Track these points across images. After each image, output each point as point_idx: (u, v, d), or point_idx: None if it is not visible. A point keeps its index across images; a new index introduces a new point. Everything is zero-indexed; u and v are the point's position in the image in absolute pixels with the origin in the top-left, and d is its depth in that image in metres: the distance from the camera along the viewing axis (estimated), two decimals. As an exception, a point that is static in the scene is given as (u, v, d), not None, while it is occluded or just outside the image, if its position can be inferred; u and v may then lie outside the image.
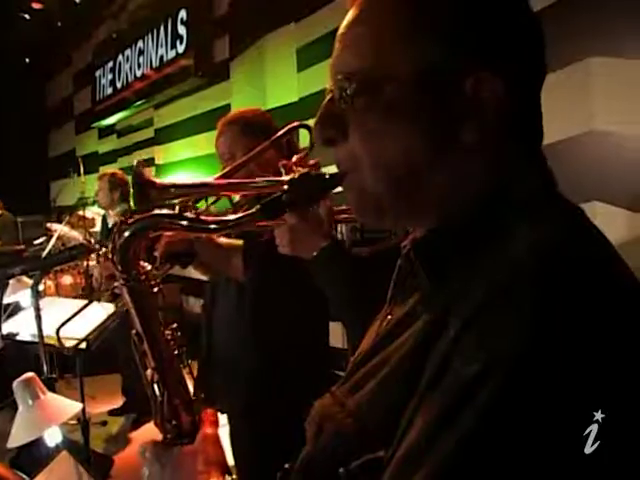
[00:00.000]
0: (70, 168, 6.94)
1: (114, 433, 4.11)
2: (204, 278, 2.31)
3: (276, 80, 5.71)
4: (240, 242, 1.86)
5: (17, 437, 1.23)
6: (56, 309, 2.20)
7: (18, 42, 10.01)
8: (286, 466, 0.75)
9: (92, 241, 5.91)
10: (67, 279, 6.41)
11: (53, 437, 1.31)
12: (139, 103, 7.93)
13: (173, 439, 0.82)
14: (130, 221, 0.75)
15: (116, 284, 0.81)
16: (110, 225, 4.85)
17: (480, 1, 0.67)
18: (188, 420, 0.83)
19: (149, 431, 4.29)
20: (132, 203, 1.20)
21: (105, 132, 9.40)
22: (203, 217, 0.77)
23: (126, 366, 4.13)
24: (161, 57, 7.23)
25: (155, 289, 0.82)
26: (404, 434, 0.57)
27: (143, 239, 0.76)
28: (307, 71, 5.29)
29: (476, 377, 0.53)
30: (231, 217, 0.76)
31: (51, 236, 6.79)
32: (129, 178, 4.77)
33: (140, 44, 7.77)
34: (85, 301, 2.11)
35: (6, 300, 2.12)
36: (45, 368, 1.72)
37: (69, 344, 2.06)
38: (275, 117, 6.14)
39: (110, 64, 8.70)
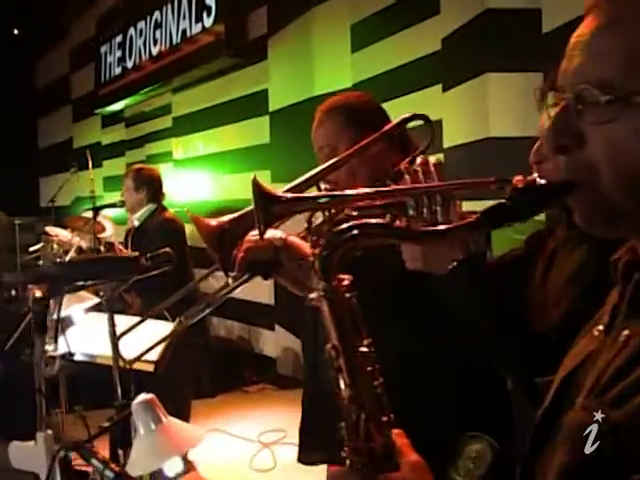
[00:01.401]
0: (74, 162, 7.13)
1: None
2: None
3: (325, 62, 5.86)
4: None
5: (137, 465, 1.36)
6: (101, 326, 2.35)
7: (4, 9, 10.19)
8: None
9: (102, 249, 6.11)
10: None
11: (173, 467, 1.44)
12: (154, 87, 8.15)
13: (366, 465, 0.95)
14: (336, 231, 0.89)
15: (313, 296, 0.95)
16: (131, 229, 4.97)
17: None
18: (382, 443, 0.95)
19: None
20: (256, 222, 1.32)
21: (110, 120, 9.66)
22: (413, 226, 0.90)
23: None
24: (183, 31, 7.44)
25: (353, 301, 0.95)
26: None
27: (348, 250, 0.91)
28: (363, 51, 5.42)
29: None
30: (444, 227, 0.90)
31: (48, 242, 6.99)
32: (158, 172, 4.89)
33: (157, 15, 7.99)
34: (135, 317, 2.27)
35: (55, 315, 2.26)
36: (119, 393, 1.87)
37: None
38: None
39: (118, 38, 8.96)
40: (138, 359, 1.97)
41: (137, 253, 1.81)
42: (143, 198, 4.66)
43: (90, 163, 6.48)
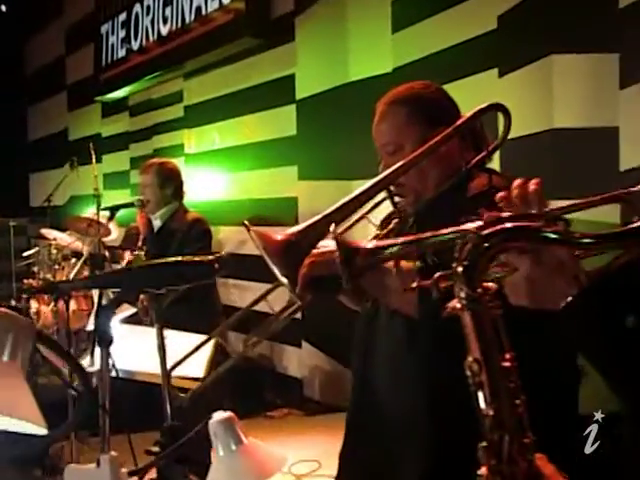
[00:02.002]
0: (74, 157, 7.16)
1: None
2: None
3: (361, 43, 5.85)
4: (410, 264, 1.82)
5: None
6: (141, 339, 2.36)
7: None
8: None
9: (107, 254, 6.12)
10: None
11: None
12: (163, 72, 8.17)
13: None
14: (485, 233, 0.90)
15: (453, 304, 0.96)
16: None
17: None
18: (525, 467, 0.96)
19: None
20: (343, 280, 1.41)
21: (112, 109, 9.69)
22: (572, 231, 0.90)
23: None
24: (198, 9, 7.44)
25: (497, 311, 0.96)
26: None
27: (497, 256, 0.91)
28: (406, 31, 5.40)
29: None
30: (608, 232, 0.90)
31: (44, 246, 7.02)
32: (178, 167, 4.89)
33: (167, -10, 8.00)
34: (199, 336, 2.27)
35: (92, 326, 2.27)
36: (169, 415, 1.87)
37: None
38: (361, 93, 6.23)
39: (122, 16, 8.98)
40: (195, 379, 1.99)
41: (212, 257, 1.81)
42: (169, 195, 4.63)
43: (93, 157, 6.51)
